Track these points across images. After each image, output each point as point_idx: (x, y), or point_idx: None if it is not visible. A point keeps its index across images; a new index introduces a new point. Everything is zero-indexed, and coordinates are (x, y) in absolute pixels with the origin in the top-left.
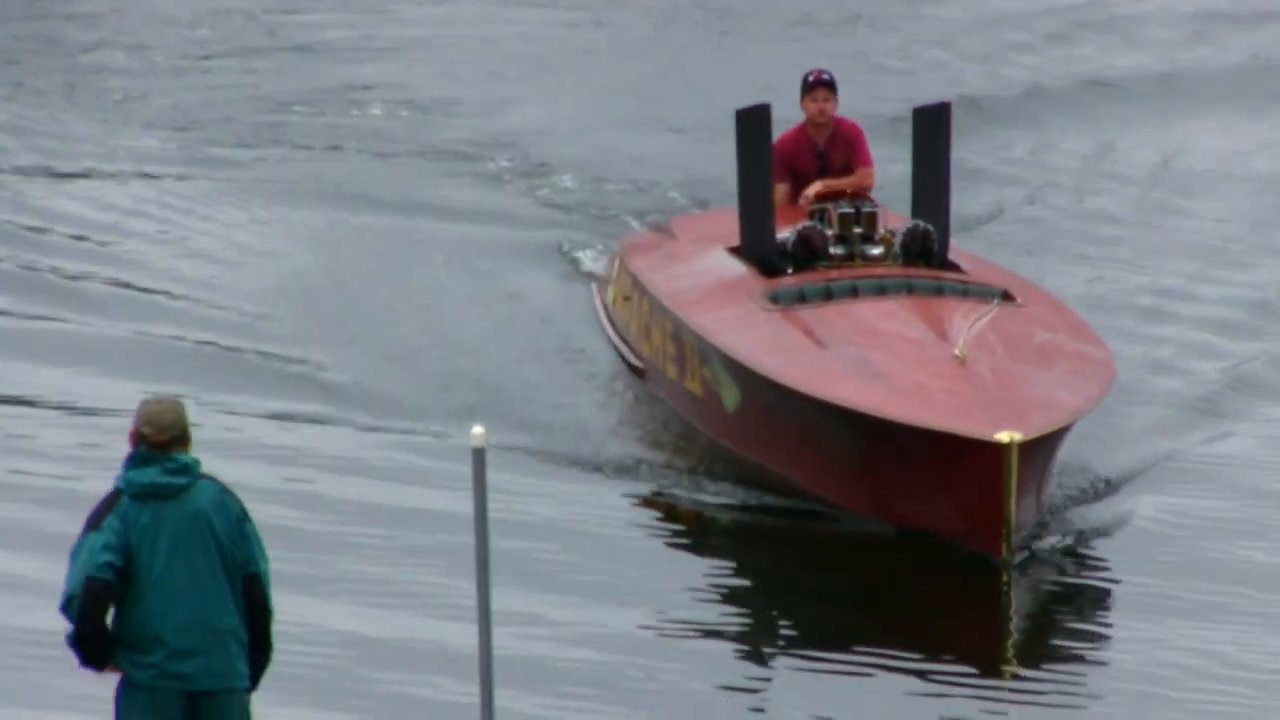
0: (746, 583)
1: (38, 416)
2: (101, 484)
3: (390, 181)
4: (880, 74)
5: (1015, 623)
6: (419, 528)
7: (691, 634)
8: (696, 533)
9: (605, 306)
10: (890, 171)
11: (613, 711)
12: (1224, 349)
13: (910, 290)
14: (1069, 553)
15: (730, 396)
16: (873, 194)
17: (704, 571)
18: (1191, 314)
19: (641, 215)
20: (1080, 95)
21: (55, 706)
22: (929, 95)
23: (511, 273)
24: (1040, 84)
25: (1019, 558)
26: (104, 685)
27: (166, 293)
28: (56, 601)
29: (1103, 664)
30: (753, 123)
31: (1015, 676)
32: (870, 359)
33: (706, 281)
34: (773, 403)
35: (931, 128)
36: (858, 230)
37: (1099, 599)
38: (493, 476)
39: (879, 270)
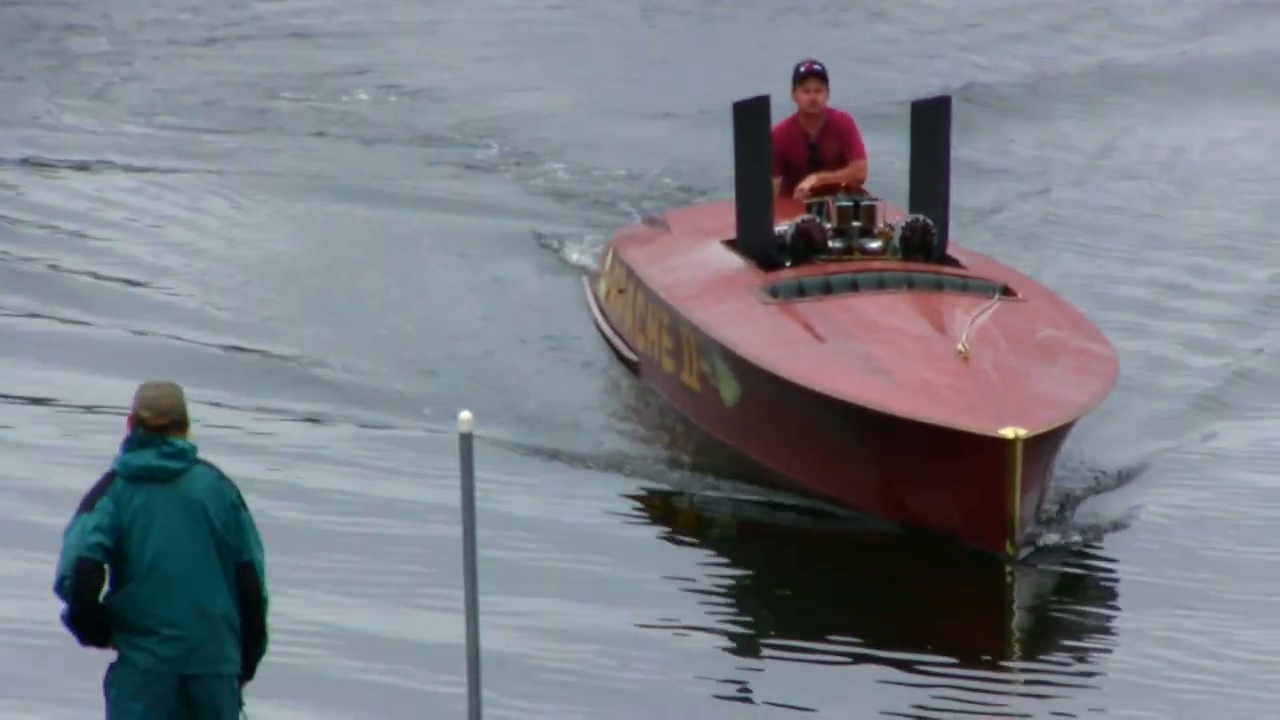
0: (743, 580)
1: (16, 410)
2: (82, 477)
3: (376, 169)
4: (871, 66)
5: (1018, 619)
6: (407, 521)
7: (686, 632)
8: (692, 528)
9: (597, 299)
10: (888, 164)
11: (606, 710)
12: (1229, 343)
13: (910, 285)
14: (1072, 548)
15: (729, 390)
16: (866, 186)
17: (700, 568)
18: (1193, 309)
19: (636, 203)
20: (1082, 86)
21: (33, 698)
22: (925, 87)
23: (500, 263)
24: (1042, 75)
25: (1023, 554)
26: (84, 676)
27: (146, 284)
28: (35, 595)
29: (1107, 659)
30: (751, 115)
31: (1018, 672)
32: (872, 353)
33: (703, 274)
34: (773, 397)
35: (931, 122)
36: (856, 224)
37: (1103, 594)
38: (484, 473)
39: (878, 264)
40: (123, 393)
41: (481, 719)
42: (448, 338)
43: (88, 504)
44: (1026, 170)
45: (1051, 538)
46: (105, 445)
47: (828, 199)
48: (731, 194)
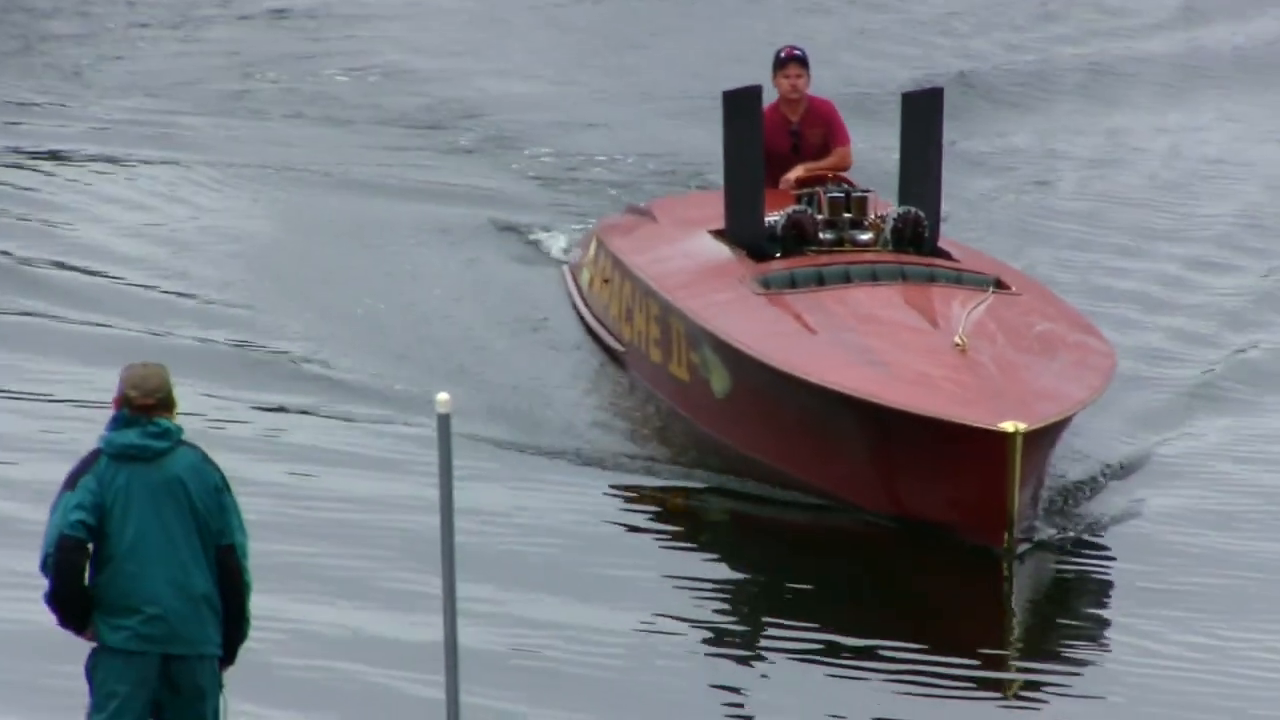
0: (734, 575)
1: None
2: (56, 469)
3: (354, 154)
4: (863, 56)
5: (1016, 615)
6: (389, 517)
7: (676, 629)
8: (680, 522)
9: (580, 289)
10: (875, 157)
11: (599, 709)
12: (1226, 338)
13: (904, 277)
14: (1068, 542)
15: (720, 382)
16: (851, 174)
17: (690, 563)
18: (1193, 303)
19: (616, 189)
20: (1078, 78)
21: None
22: (919, 77)
23: (478, 251)
24: (1037, 67)
25: (1020, 549)
26: (62, 665)
27: (115, 274)
28: (15, 590)
29: (1104, 654)
30: (742, 104)
31: (1016, 668)
32: (869, 346)
33: (692, 265)
34: (765, 388)
35: (922, 113)
36: (847, 215)
37: (1099, 588)
38: (468, 467)
39: (870, 256)
40: (93, 384)
41: (459, 710)
42: (428, 328)
43: (71, 482)
44: (1014, 162)
45: (1048, 532)
46: (70, 437)
47: (819, 190)
48: (714, 182)
